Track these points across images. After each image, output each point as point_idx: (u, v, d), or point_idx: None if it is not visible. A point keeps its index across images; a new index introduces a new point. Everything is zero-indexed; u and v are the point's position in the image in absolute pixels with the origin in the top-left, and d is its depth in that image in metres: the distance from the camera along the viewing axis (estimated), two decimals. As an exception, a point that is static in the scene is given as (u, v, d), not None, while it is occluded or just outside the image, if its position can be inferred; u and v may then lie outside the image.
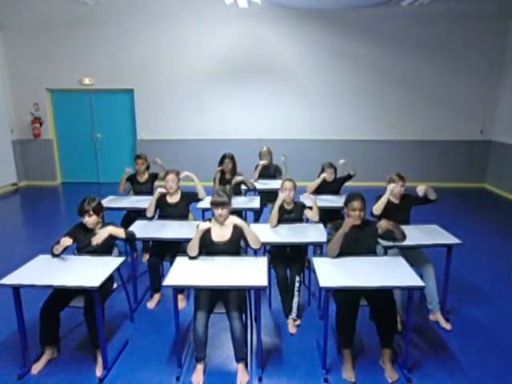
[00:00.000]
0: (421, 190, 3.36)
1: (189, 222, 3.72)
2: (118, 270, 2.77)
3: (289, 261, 3.36)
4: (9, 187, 7.54)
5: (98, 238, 2.79)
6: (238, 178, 4.53)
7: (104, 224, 3.01)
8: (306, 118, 7.67)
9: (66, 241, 2.76)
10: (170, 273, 2.63)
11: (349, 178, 4.51)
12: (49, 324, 2.70)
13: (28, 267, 2.71)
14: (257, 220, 4.76)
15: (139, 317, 3.33)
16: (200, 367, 2.61)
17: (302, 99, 7.60)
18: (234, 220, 2.79)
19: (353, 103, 7.62)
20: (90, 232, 2.90)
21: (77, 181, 8.15)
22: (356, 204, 2.75)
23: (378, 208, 3.32)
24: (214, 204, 2.83)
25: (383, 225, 2.74)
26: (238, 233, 2.87)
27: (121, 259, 2.82)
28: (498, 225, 5.77)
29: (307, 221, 3.73)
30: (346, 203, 2.83)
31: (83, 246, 2.89)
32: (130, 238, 3.04)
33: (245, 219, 4.64)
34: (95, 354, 2.71)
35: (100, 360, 2.67)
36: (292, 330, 3.12)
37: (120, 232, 2.92)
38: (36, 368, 2.67)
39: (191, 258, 2.81)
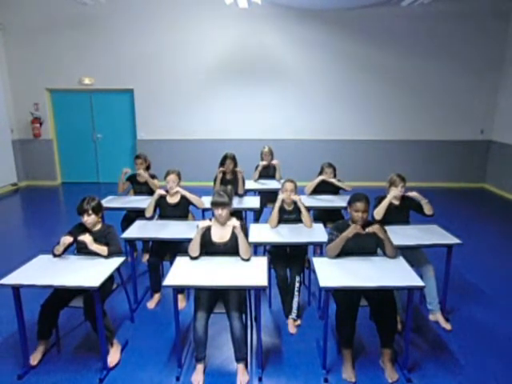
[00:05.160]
0: (411, 194, 3.38)
1: (189, 221, 3.72)
2: (117, 269, 2.77)
3: (289, 261, 3.36)
4: (9, 187, 7.54)
5: (86, 238, 2.78)
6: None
7: (104, 225, 3.01)
8: (305, 117, 7.66)
9: (67, 239, 2.78)
10: (169, 273, 2.63)
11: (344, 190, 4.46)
12: (48, 321, 2.73)
13: (28, 267, 2.71)
14: (257, 220, 4.76)
15: (139, 317, 3.33)
16: (200, 367, 2.61)
17: (302, 99, 7.60)
18: (234, 223, 2.76)
19: (353, 103, 7.61)
20: (90, 232, 2.90)
21: (77, 181, 8.15)
22: (359, 205, 2.73)
23: (378, 213, 3.31)
24: (214, 204, 2.82)
25: (375, 229, 2.70)
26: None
27: (121, 259, 2.83)
28: (498, 225, 5.76)
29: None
30: (350, 203, 2.81)
31: (83, 245, 2.89)
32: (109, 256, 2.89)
33: (245, 219, 4.65)
34: (111, 344, 2.78)
35: (114, 349, 2.76)
36: (292, 330, 3.12)
37: (103, 250, 2.83)
38: (35, 358, 2.70)
39: (192, 258, 2.81)
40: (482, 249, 4.80)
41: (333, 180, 4.39)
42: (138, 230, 3.48)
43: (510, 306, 3.52)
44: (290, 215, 3.56)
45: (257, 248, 4.04)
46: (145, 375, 2.65)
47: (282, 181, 3.66)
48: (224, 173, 4.57)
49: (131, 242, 3.77)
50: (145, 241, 4.29)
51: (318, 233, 3.36)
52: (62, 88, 7.66)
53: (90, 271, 2.63)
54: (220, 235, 2.86)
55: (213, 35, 7.32)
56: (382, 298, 2.65)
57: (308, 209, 3.59)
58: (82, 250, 2.89)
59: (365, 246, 2.84)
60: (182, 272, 2.65)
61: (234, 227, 2.76)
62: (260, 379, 2.60)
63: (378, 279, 2.52)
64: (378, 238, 2.77)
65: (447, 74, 7.43)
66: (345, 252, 2.80)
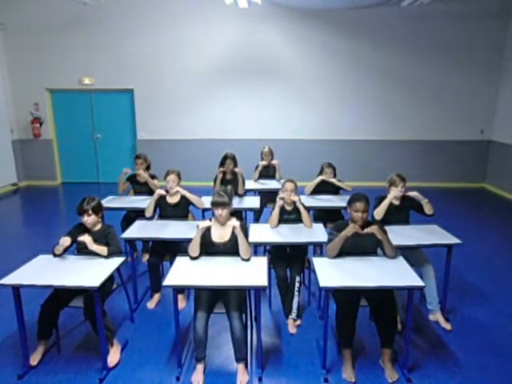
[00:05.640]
0: (411, 194, 3.38)
1: (189, 221, 3.72)
2: (117, 269, 2.77)
3: (289, 261, 3.36)
4: (9, 187, 7.54)
5: (85, 239, 2.78)
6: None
7: (104, 225, 3.01)
8: (305, 117, 7.66)
9: (66, 240, 2.78)
10: (170, 273, 2.63)
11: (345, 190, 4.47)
12: (48, 321, 2.74)
13: (28, 267, 2.71)
14: (257, 220, 4.76)
15: (139, 317, 3.33)
16: (200, 367, 2.61)
17: (301, 99, 7.59)
18: (234, 223, 2.76)
19: (353, 103, 7.61)
20: (90, 232, 2.90)
21: (77, 181, 8.15)
22: (359, 205, 2.73)
23: (379, 213, 3.31)
24: (214, 204, 2.82)
25: (373, 230, 2.70)
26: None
27: (121, 259, 2.83)
28: (498, 225, 5.76)
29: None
30: (350, 203, 2.81)
31: (83, 246, 2.89)
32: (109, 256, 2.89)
33: (245, 219, 4.65)
34: (111, 344, 2.78)
35: (114, 349, 2.76)
36: (292, 330, 3.12)
37: (103, 250, 2.83)
38: (35, 358, 2.70)
39: (192, 258, 2.81)
40: (482, 249, 4.80)
41: (333, 180, 4.39)
42: (138, 230, 3.48)
43: (510, 305, 3.52)
44: (290, 215, 3.55)
45: (257, 248, 4.04)
46: (145, 375, 2.65)
47: (282, 181, 3.66)
48: (224, 173, 4.57)
49: (131, 242, 3.77)
50: (145, 241, 4.29)
51: (317, 233, 3.36)
52: (62, 88, 7.66)
53: (90, 271, 2.63)
54: (220, 235, 2.86)
55: (213, 35, 7.32)
56: (381, 298, 2.65)
57: (308, 209, 3.59)
58: (81, 250, 2.89)
59: (365, 246, 2.84)
60: (182, 272, 2.66)
61: (233, 227, 2.76)
62: (260, 379, 2.60)
63: (377, 279, 2.52)
64: (377, 238, 2.77)
65: (447, 74, 7.43)
66: (345, 252, 2.81)
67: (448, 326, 3.15)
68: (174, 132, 7.74)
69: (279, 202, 3.45)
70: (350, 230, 2.71)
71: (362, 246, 2.83)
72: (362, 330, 3.03)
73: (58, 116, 7.91)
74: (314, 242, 3.30)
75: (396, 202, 3.43)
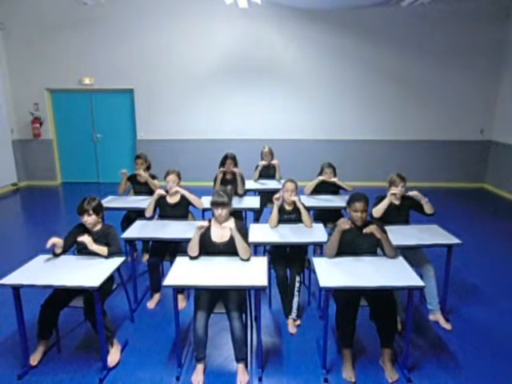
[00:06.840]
0: (411, 193, 3.38)
1: (189, 221, 3.72)
2: (117, 269, 2.77)
3: (289, 261, 3.36)
4: (9, 187, 7.54)
5: (85, 239, 2.78)
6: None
7: (104, 225, 3.01)
8: (306, 117, 7.67)
9: (54, 240, 2.76)
10: (170, 273, 2.63)
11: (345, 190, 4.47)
12: (48, 321, 2.74)
13: (28, 267, 2.71)
14: (257, 220, 4.76)
15: (139, 317, 3.33)
16: (200, 367, 2.61)
17: (302, 99, 7.60)
18: (231, 225, 2.76)
19: (353, 103, 7.62)
20: (90, 232, 2.90)
21: (77, 181, 8.15)
22: (358, 205, 2.74)
23: (378, 211, 3.31)
24: (214, 204, 2.82)
25: (372, 229, 2.70)
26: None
27: (121, 259, 2.83)
28: (498, 225, 5.76)
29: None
30: (349, 203, 2.82)
31: (83, 246, 2.89)
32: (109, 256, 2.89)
33: (245, 219, 4.65)
34: (111, 344, 2.77)
35: (114, 349, 2.75)
36: (292, 330, 3.12)
37: (103, 251, 2.83)
38: (35, 358, 2.70)
39: (192, 258, 2.81)
40: (482, 249, 4.80)
41: (335, 179, 4.38)
42: (138, 230, 3.49)
43: (510, 306, 3.52)
44: (289, 215, 3.55)
45: (257, 248, 4.04)
46: (145, 375, 2.64)
47: (282, 181, 3.65)
48: (224, 173, 4.57)
49: (131, 242, 3.77)
50: (145, 241, 4.29)
51: (317, 233, 3.36)
52: (61, 88, 7.66)
53: (90, 271, 2.63)
54: (220, 235, 2.86)
55: (213, 35, 7.32)
56: (381, 298, 2.65)
57: (308, 209, 3.59)
58: (82, 250, 2.90)
59: (364, 246, 2.84)
60: (182, 272, 2.66)
61: (230, 229, 2.75)
62: (260, 379, 2.60)
63: (377, 279, 2.52)
64: (377, 237, 2.77)
65: (447, 73, 7.43)
66: (345, 252, 2.81)
67: (448, 326, 3.15)
68: (174, 132, 7.74)
69: (276, 202, 3.46)
70: (341, 225, 2.69)
71: (361, 246, 2.83)
72: (362, 330, 3.03)
73: (58, 116, 7.91)
74: (314, 242, 3.30)
75: (396, 202, 3.43)
